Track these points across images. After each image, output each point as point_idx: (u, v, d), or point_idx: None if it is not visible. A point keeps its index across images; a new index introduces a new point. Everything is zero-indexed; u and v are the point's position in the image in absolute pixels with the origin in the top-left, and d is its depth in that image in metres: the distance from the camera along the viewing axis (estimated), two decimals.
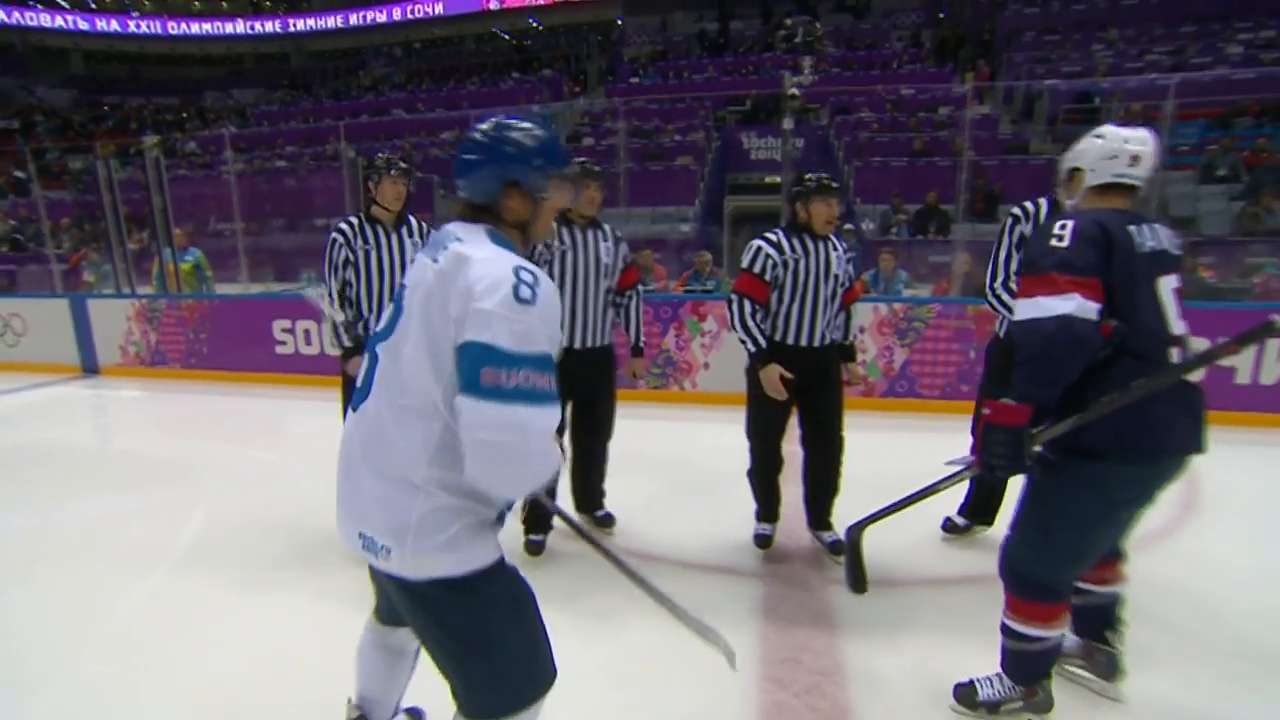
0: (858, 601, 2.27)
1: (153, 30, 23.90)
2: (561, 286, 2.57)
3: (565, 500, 2.92)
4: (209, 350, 6.03)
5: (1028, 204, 2.38)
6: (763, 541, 2.75)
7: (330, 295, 2.71)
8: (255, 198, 11.54)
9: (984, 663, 1.85)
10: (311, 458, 3.03)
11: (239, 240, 7.57)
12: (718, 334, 4.84)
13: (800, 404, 2.59)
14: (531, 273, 1.13)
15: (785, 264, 2.47)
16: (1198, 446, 1.58)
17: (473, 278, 1.10)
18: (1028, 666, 1.73)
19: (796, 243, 2.49)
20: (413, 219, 2.82)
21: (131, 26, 23.69)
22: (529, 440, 1.06)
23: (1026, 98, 12.33)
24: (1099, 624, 1.87)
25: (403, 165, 2.71)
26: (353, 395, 1.30)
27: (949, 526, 2.85)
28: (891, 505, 1.93)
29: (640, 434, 3.31)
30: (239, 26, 24.49)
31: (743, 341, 2.49)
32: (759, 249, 2.49)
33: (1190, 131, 9.65)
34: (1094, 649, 1.88)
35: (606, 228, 2.71)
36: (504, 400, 1.04)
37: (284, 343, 5.79)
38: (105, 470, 4.09)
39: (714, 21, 17.69)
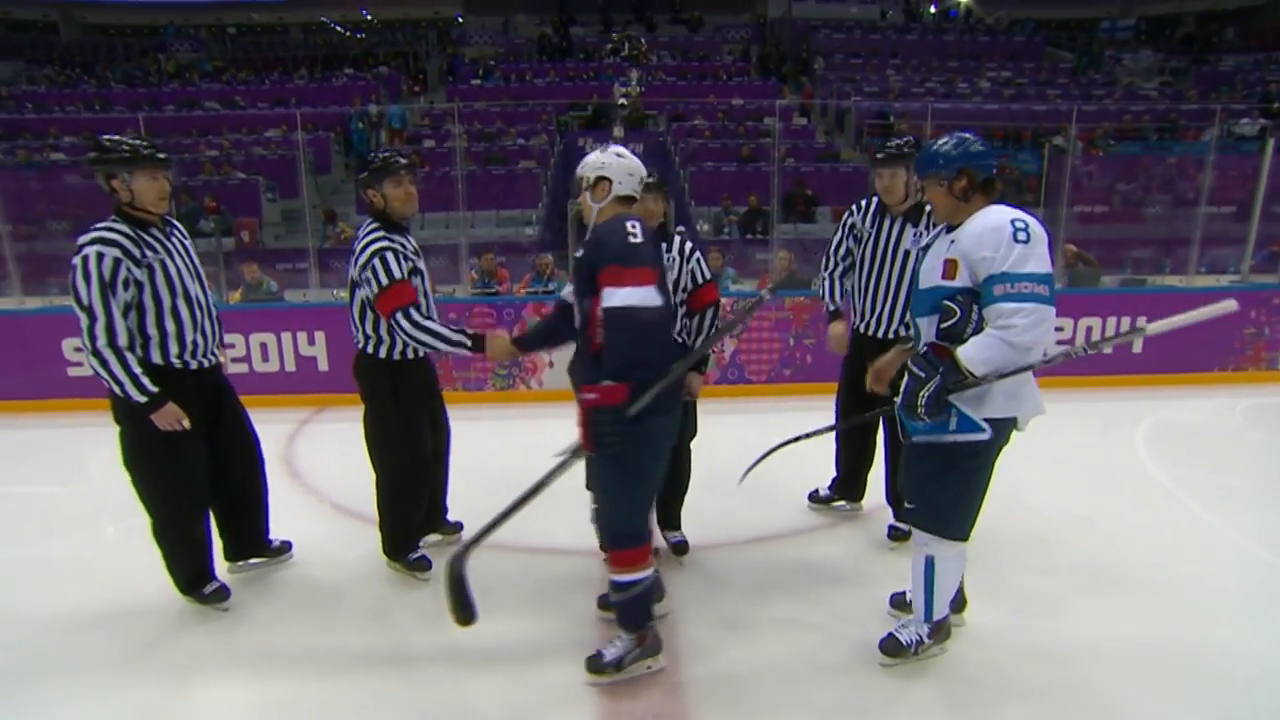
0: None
1: None
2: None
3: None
4: None
5: (863, 201, 2.84)
6: (680, 549, 2.79)
7: (113, 330, 2.14)
8: (25, 196, 9.85)
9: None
10: (117, 491, 2.65)
11: (5, 246, 6.50)
12: None
13: None
14: None
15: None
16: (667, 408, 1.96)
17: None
18: (636, 612, 2.04)
19: (689, 249, 2.50)
20: (169, 217, 2.38)
21: None
22: None
23: (838, 112, 13.96)
24: None
25: (162, 156, 2.23)
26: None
27: (814, 498, 3.20)
28: (495, 520, 1.96)
29: (488, 435, 3.38)
30: None
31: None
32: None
33: None
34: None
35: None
36: None
37: (79, 364, 5.13)
38: None
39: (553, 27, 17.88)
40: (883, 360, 2.25)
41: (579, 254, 1.97)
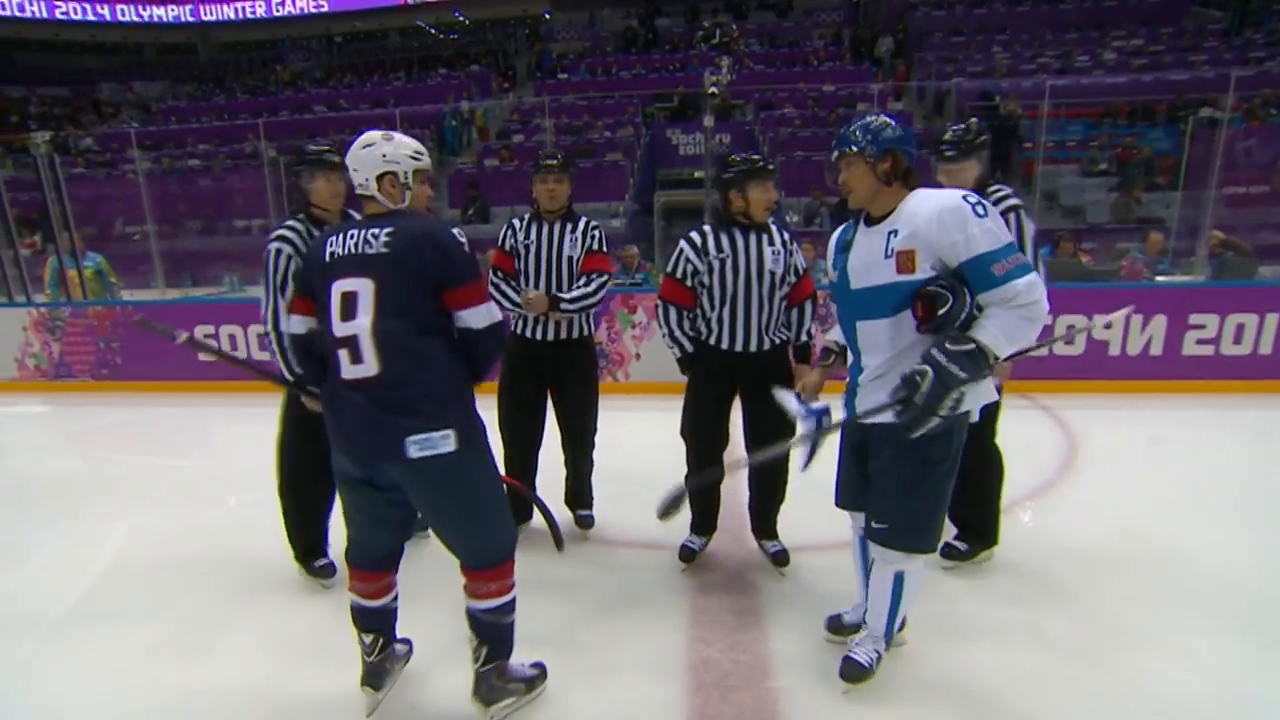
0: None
1: (35, 13, 21.85)
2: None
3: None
4: (124, 360, 5.76)
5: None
6: (686, 555, 2.62)
7: (277, 316, 2.34)
8: (168, 199, 10.93)
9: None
10: (239, 468, 2.84)
11: (152, 244, 7.19)
12: (648, 325, 5.03)
13: (744, 410, 2.48)
14: None
15: (710, 267, 2.34)
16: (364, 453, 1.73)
17: None
18: (510, 635, 1.86)
19: (724, 239, 2.34)
20: (355, 217, 2.54)
21: (10, 7, 21.47)
22: None
23: (937, 95, 13.13)
24: None
25: (334, 159, 2.38)
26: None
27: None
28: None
29: None
30: (136, 12, 22.74)
31: (670, 348, 2.49)
32: (680, 251, 2.40)
33: (1075, 129, 10.56)
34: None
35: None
36: None
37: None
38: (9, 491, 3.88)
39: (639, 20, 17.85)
40: (809, 379, 2.15)
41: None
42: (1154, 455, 4.02)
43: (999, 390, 2.38)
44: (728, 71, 6.06)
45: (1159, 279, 5.59)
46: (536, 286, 2.67)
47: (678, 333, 2.44)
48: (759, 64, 14.80)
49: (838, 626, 2.17)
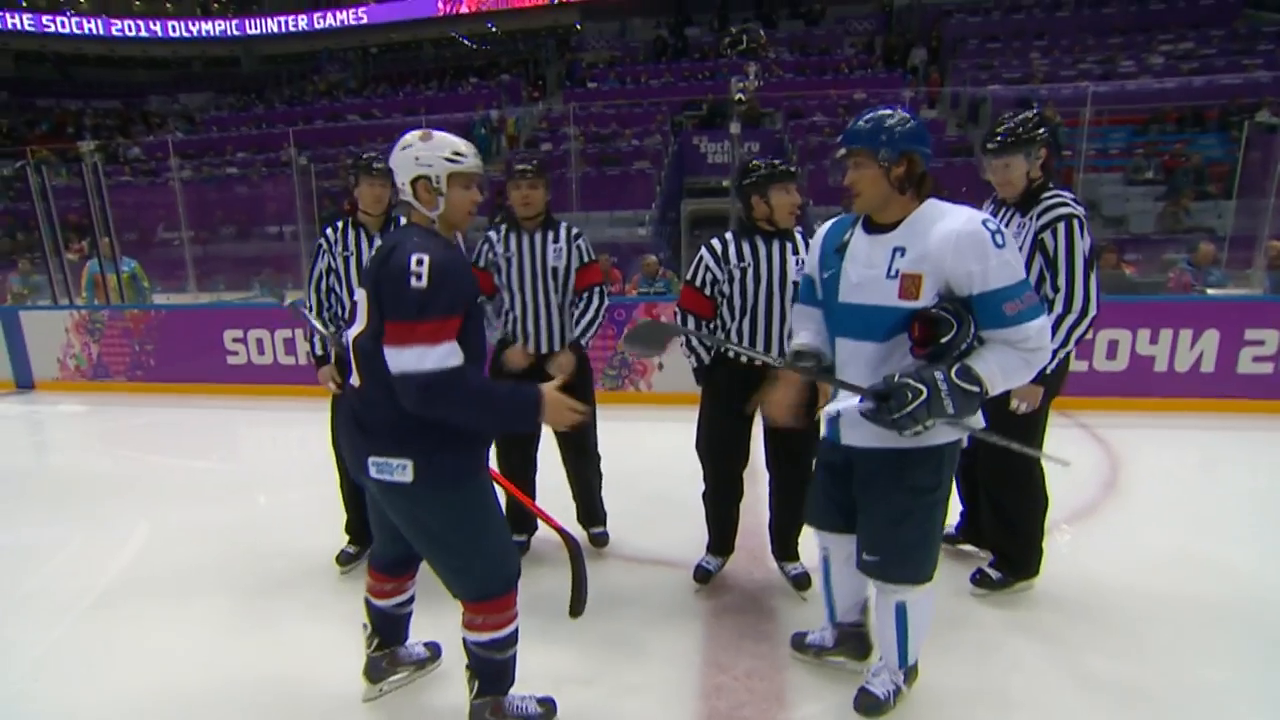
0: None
1: (92, 31, 22.92)
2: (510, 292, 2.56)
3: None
4: (156, 362, 5.89)
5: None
6: (702, 575, 2.49)
7: (309, 305, 2.61)
8: (205, 205, 11.25)
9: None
10: (266, 470, 2.94)
11: (185, 249, 7.38)
12: None
13: (765, 426, 2.29)
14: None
15: (730, 276, 2.23)
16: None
17: None
18: (508, 670, 1.74)
19: (746, 248, 2.23)
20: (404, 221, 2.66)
21: (71, 26, 22.59)
22: None
23: (971, 103, 12.84)
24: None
25: (379, 165, 2.50)
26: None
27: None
28: None
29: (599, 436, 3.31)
30: (185, 28, 23.68)
31: (686, 357, 2.40)
32: (700, 259, 2.30)
33: (1118, 136, 10.20)
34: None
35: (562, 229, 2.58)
36: None
37: (235, 353, 5.69)
38: (37, 491, 3.95)
39: (668, 29, 17.90)
40: (777, 397, 1.89)
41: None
42: (1205, 479, 3.78)
43: (1046, 411, 2.23)
44: (755, 78, 5.96)
45: (1210, 291, 5.31)
46: (522, 301, 2.55)
47: (694, 341, 2.37)
48: (789, 72, 14.68)
49: (800, 644, 2.08)
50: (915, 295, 1.51)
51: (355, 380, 1.62)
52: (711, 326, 2.35)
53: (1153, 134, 10.05)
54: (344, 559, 2.77)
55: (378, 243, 2.60)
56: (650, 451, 3.77)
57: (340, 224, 2.63)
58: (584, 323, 2.56)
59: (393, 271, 1.48)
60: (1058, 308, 2.09)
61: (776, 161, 2.26)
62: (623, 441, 2.88)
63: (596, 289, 2.60)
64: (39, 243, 6.86)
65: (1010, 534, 2.32)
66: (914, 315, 1.51)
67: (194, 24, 23.77)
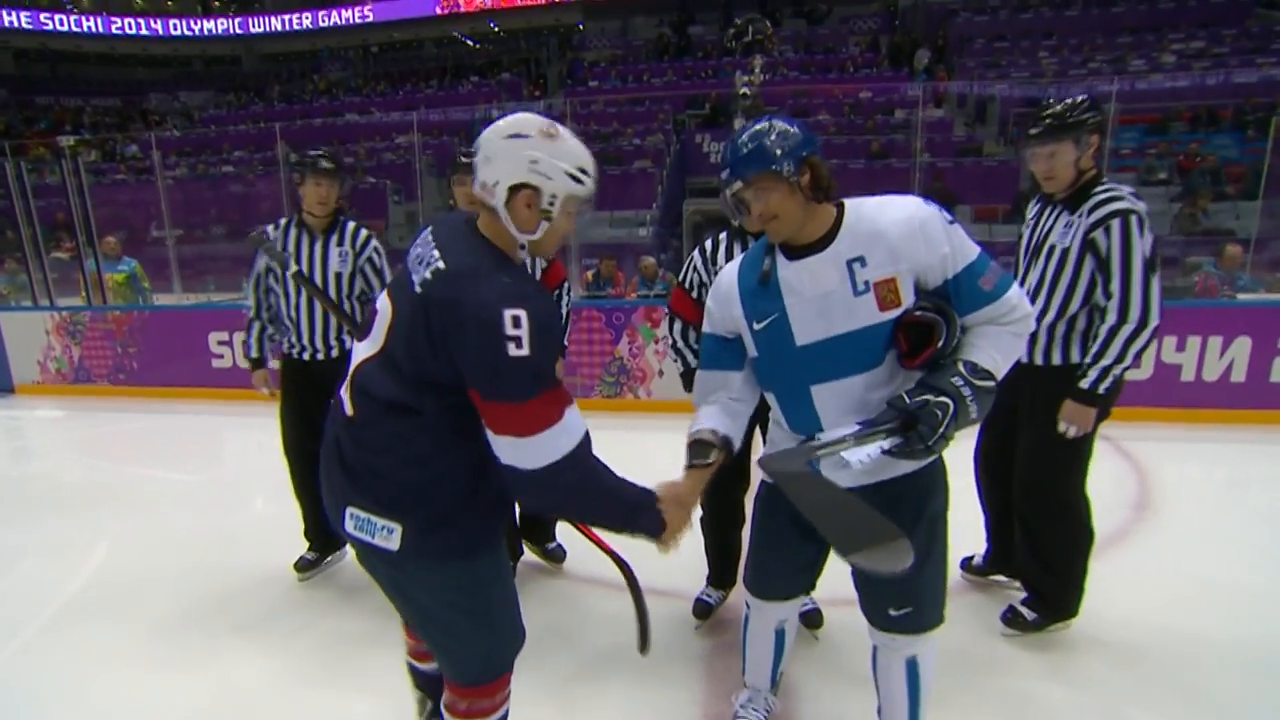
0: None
1: (92, 29, 22.78)
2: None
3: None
4: (139, 365, 5.69)
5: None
6: (702, 610, 2.29)
7: (250, 305, 2.57)
8: (200, 204, 11.08)
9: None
10: (243, 479, 2.82)
11: (169, 248, 7.19)
12: None
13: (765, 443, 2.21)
14: None
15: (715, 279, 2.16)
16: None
17: None
18: None
19: (738, 250, 2.04)
20: (350, 225, 2.52)
21: (70, 24, 22.43)
22: None
23: (979, 102, 12.61)
24: None
25: (325, 165, 2.39)
26: None
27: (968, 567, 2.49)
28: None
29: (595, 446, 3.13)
30: (186, 26, 23.55)
31: (673, 361, 2.25)
32: (690, 260, 2.15)
33: (1131, 136, 9.97)
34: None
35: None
36: None
37: (221, 356, 5.49)
38: (2, 502, 3.76)
39: (672, 27, 17.71)
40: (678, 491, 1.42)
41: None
42: (1241, 498, 3.55)
43: (1094, 435, 1.99)
44: (760, 71, 5.75)
45: (1240, 296, 5.08)
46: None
47: (681, 344, 2.19)
48: (793, 71, 14.47)
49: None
50: (897, 302, 1.31)
51: (349, 410, 1.26)
52: (699, 331, 2.11)
53: (1167, 134, 9.82)
54: (302, 565, 2.63)
55: (319, 244, 2.46)
56: (650, 462, 3.55)
57: (283, 222, 2.49)
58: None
59: (470, 329, 1.08)
60: (1110, 317, 1.85)
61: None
62: (620, 454, 2.66)
63: (564, 288, 2.55)
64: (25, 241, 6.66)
65: (1046, 571, 2.08)
66: (896, 325, 1.32)
67: (195, 22, 23.64)
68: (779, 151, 1.30)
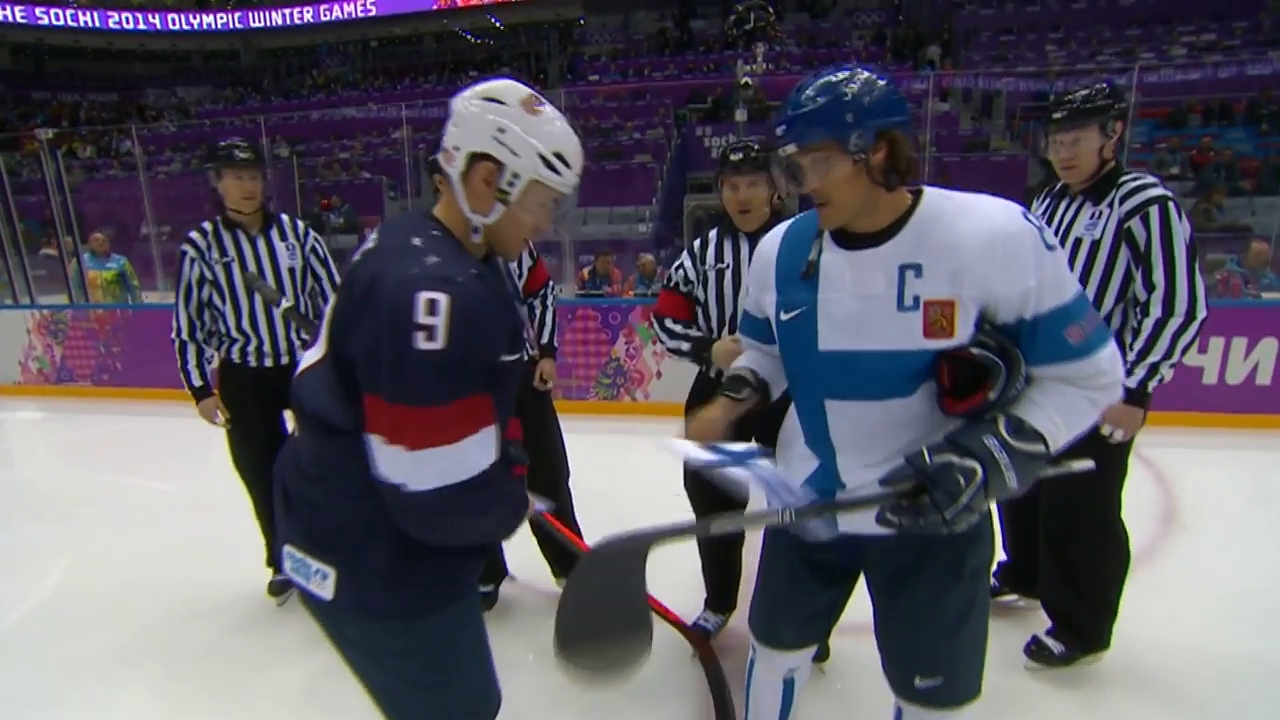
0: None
1: (89, 23, 22.60)
2: None
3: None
4: (123, 366, 5.53)
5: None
6: (702, 635, 2.15)
7: (180, 324, 2.25)
8: (193, 200, 10.90)
9: None
10: (224, 488, 2.64)
11: (153, 245, 7.03)
12: None
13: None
14: None
15: (704, 278, 1.90)
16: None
17: None
18: None
19: (728, 246, 1.90)
20: (285, 217, 2.37)
21: (66, 18, 22.22)
22: None
23: (985, 96, 12.40)
24: None
25: (242, 155, 2.17)
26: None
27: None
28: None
29: (589, 450, 2.97)
30: (185, 21, 23.36)
31: (676, 354, 2.02)
32: (681, 258, 2.01)
33: (1141, 130, 9.77)
34: None
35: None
36: None
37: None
38: None
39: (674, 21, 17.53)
40: (708, 415, 1.26)
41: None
42: (1271, 507, 3.37)
43: (1128, 449, 1.81)
44: (763, 60, 5.56)
45: (1265, 295, 4.90)
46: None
47: (679, 330, 1.95)
48: (796, 64, 14.26)
49: None
50: (949, 331, 1.03)
51: (293, 428, 1.11)
52: (686, 324, 1.97)
53: (1181, 128, 9.61)
54: (275, 589, 2.48)
55: (261, 243, 2.27)
56: (646, 469, 3.40)
57: (210, 226, 2.26)
58: (550, 325, 2.37)
59: (379, 311, 0.90)
60: (1155, 310, 1.69)
61: (749, 142, 1.82)
62: (616, 460, 2.53)
63: (550, 288, 2.40)
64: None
65: (1078, 599, 1.89)
66: (941, 357, 1.05)
67: (193, 17, 23.45)
68: (851, 115, 1.00)
